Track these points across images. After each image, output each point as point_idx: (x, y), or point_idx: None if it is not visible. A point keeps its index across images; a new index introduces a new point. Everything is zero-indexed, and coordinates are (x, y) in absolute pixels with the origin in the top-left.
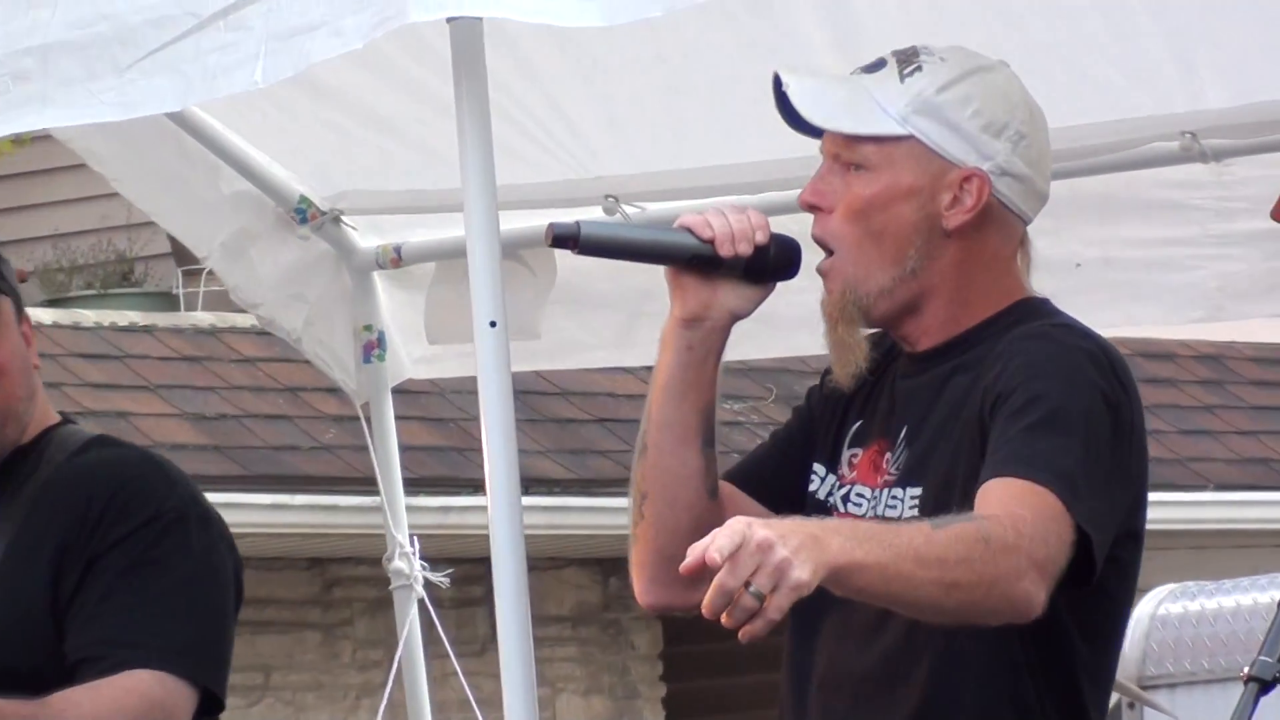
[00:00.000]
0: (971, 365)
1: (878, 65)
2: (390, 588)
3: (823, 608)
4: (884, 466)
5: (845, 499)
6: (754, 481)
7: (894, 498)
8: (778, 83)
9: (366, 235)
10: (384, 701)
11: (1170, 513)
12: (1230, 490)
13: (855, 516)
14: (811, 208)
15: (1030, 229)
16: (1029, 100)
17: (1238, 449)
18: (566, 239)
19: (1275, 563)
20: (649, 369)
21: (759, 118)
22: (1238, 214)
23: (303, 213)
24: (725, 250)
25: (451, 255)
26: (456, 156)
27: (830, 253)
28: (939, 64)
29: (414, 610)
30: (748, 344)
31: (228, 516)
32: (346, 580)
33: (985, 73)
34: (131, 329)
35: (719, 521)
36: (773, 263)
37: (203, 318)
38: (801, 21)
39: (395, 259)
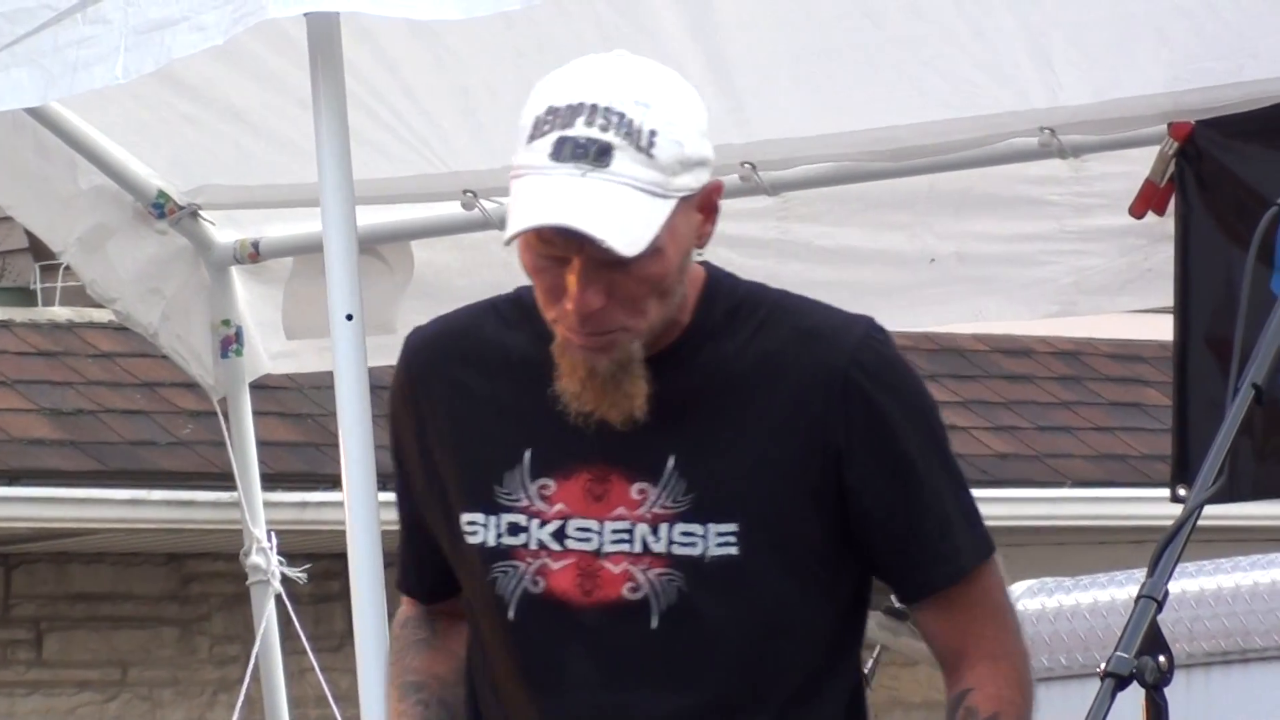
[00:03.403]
0: (733, 380)
1: (605, 152)
2: (247, 583)
3: (564, 655)
4: (636, 498)
5: (558, 535)
6: (437, 580)
7: (687, 535)
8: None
9: (224, 230)
10: (241, 697)
11: (1029, 509)
12: (1088, 487)
13: (581, 553)
14: (599, 311)
15: (885, 222)
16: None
17: (1096, 445)
18: None
19: (1134, 559)
20: None
21: None
22: (1095, 210)
23: (160, 207)
24: None
25: (309, 250)
26: (314, 150)
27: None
28: (647, 112)
29: (271, 606)
30: None
31: (85, 512)
32: (204, 576)
33: (673, 88)
34: None
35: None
36: None
37: (60, 313)
38: (660, 14)
39: (253, 254)
